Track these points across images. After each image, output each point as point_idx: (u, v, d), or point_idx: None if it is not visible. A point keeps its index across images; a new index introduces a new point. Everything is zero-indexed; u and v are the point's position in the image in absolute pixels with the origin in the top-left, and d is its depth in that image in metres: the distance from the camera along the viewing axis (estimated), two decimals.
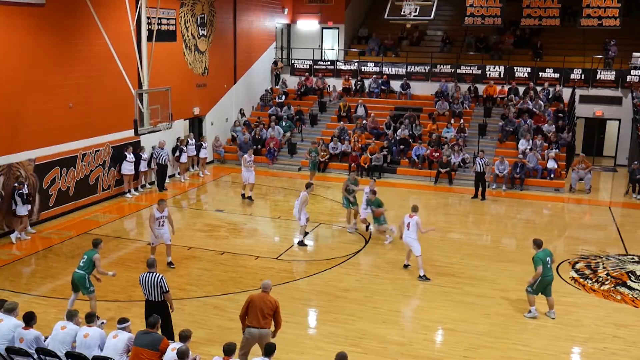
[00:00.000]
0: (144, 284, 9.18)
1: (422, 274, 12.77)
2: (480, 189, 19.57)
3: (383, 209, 14.91)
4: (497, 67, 25.56)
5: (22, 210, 14.57)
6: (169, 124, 16.78)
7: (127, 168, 18.49)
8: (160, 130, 16.84)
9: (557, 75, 24.87)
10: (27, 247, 14.36)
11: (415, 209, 13.01)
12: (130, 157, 18.47)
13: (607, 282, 12.75)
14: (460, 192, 20.37)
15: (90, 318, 8.23)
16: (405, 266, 13.42)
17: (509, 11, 24.75)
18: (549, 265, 10.93)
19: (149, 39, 16.28)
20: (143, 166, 19.17)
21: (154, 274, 9.18)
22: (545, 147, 21.84)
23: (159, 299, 9.18)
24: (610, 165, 24.99)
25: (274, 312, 8.66)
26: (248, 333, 8.59)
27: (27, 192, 14.64)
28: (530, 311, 11.09)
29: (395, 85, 26.40)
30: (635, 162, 20.12)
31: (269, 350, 7.64)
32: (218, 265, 13.46)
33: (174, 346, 7.70)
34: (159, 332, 8.27)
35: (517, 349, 9.95)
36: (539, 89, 24.59)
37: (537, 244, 11.07)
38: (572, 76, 24.67)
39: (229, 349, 7.55)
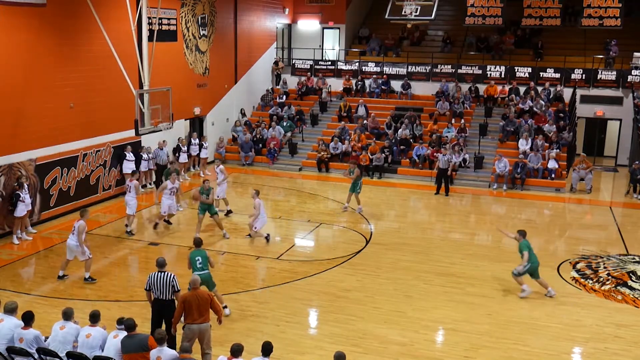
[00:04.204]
0: (154, 283, 9.15)
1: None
2: (443, 185, 19.99)
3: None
4: (497, 67, 25.54)
5: (20, 212, 14.46)
6: (169, 124, 16.77)
7: (128, 167, 18.48)
8: (161, 130, 16.84)
9: (558, 75, 24.85)
10: (28, 247, 14.36)
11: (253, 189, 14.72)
12: (129, 156, 18.47)
13: (608, 282, 12.74)
14: (461, 192, 20.35)
15: (94, 318, 8.21)
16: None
17: (509, 11, 24.70)
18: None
19: (150, 39, 16.27)
20: (144, 166, 19.17)
21: (166, 273, 9.18)
22: (546, 147, 21.82)
23: (169, 298, 9.18)
24: (611, 165, 24.96)
25: (210, 305, 8.74)
26: (188, 330, 8.59)
27: (25, 194, 14.49)
28: (524, 290, 11.94)
29: (396, 85, 26.37)
30: (636, 162, 20.08)
31: (266, 349, 7.63)
32: (218, 265, 13.45)
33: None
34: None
35: (518, 349, 9.95)
36: (539, 89, 24.55)
37: (522, 234, 12.13)
38: (573, 76, 24.64)
39: (237, 350, 7.52)
